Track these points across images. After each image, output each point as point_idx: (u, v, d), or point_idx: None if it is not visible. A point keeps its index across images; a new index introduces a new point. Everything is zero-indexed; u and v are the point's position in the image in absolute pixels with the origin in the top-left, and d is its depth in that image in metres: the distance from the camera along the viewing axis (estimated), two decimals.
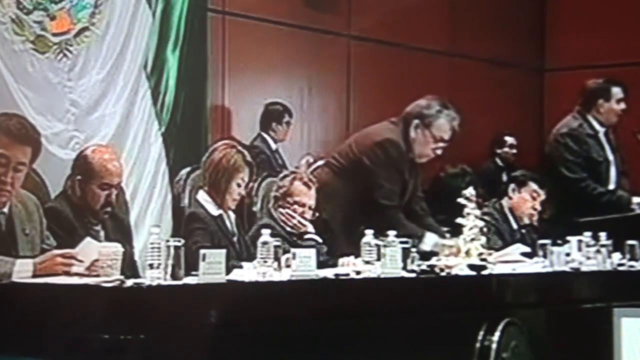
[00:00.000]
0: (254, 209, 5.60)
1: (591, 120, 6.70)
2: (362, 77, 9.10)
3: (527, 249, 5.37)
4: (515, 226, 6.52)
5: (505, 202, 6.59)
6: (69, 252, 3.88)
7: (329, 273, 4.20)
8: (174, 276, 3.54)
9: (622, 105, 6.70)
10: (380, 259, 4.23)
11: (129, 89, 7.15)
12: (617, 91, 6.71)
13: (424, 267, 4.49)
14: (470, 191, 4.64)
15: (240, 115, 8.19)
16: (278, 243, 3.98)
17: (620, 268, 5.24)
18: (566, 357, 4.80)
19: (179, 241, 3.59)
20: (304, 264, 3.88)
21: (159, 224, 5.14)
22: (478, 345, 4.43)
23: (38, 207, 4.21)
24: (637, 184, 6.97)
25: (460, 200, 4.63)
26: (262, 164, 7.14)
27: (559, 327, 4.84)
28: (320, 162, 7.52)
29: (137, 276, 4.09)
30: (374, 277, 4.20)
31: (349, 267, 4.52)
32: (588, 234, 5.16)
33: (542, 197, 6.57)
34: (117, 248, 3.83)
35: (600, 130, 6.71)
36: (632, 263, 5.29)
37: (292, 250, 3.97)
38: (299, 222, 5.18)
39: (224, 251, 3.67)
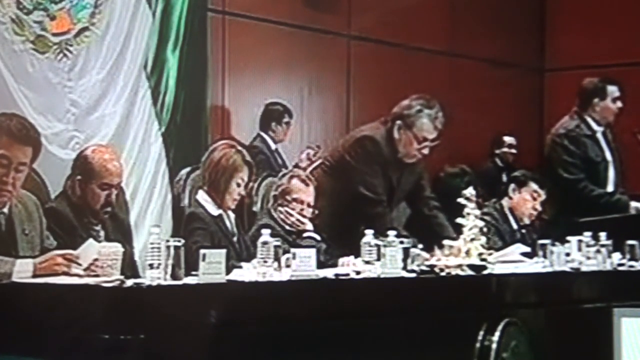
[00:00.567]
0: (254, 208, 5.60)
1: (588, 120, 6.70)
2: (362, 77, 9.10)
3: (527, 249, 5.37)
4: (515, 226, 6.52)
5: (505, 202, 6.59)
6: (69, 252, 3.88)
7: (329, 273, 4.20)
8: (174, 276, 3.54)
9: (619, 104, 6.70)
10: (380, 259, 4.23)
11: (129, 89, 7.15)
12: (612, 90, 6.70)
13: (424, 267, 4.49)
14: (470, 191, 4.64)
15: (240, 115, 8.19)
16: (278, 243, 3.98)
17: (620, 268, 5.24)
18: (566, 357, 4.80)
19: (179, 241, 3.59)
20: (304, 264, 3.89)
21: (159, 224, 5.13)
22: (478, 345, 4.43)
23: (38, 207, 4.21)
24: (637, 184, 6.97)
25: (460, 200, 4.63)
26: (261, 164, 7.14)
27: (559, 327, 4.84)
28: (319, 157, 7.58)
29: (137, 276, 4.10)
30: (374, 277, 4.21)
31: (349, 267, 4.53)
32: (588, 234, 5.16)
33: (543, 197, 6.57)
34: (117, 248, 3.83)
35: (598, 130, 6.70)
36: (632, 263, 5.30)
37: (292, 250, 3.98)
38: (298, 220, 5.19)
39: (224, 251, 3.67)
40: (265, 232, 3.91)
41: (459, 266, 4.51)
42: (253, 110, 8.05)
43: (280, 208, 5.21)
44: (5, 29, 6.41)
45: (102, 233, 4.64)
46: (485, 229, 4.69)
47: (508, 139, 9.84)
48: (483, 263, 4.56)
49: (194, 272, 3.63)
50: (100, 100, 6.95)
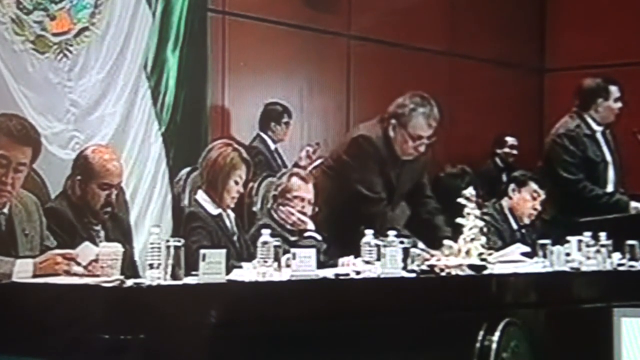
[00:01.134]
0: (254, 208, 5.60)
1: (588, 120, 6.69)
2: (362, 77, 9.10)
3: (527, 249, 5.36)
4: (515, 226, 6.52)
5: (505, 202, 6.58)
6: (69, 252, 3.88)
7: (329, 273, 4.20)
8: (174, 276, 3.54)
9: (620, 104, 6.70)
10: (380, 259, 4.23)
11: (129, 89, 7.15)
12: (614, 89, 6.70)
13: (424, 267, 4.49)
14: (470, 191, 4.64)
15: (240, 115, 8.19)
16: (278, 243, 3.98)
17: (620, 268, 5.24)
18: (566, 357, 4.79)
19: (179, 241, 3.59)
20: (304, 264, 3.89)
21: (159, 224, 5.14)
22: (478, 345, 4.43)
23: (38, 207, 4.21)
24: (637, 184, 6.97)
25: (460, 200, 4.63)
26: (260, 164, 7.15)
27: (559, 327, 4.84)
28: (319, 155, 7.59)
29: (137, 276, 4.09)
30: (374, 277, 4.21)
31: (349, 267, 4.52)
32: (588, 234, 5.16)
33: (542, 197, 6.57)
34: (117, 248, 3.83)
35: (598, 129, 6.70)
36: (632, 263, 5.30)
37: (292, 250, 3.98)
38: (299, 219, 5.19)
39: (224, 251, 3.67)
40: (265, 232, 3.91)
41: (459, 266, 4.51)
42: (253, 110, 8.05)
43: (281, 207, 5.21)
44: (5, 29, 6.41)
45: (102, 233, 4.64)
46: (485, 229, 4.69)
47: (510, 140, 9.83)
48: (483, 263, 4.56)
49: (194, 272, 3.63)
50: (100, 100, 6.95)
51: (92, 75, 6.90)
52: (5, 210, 4.00)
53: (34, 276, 3.76)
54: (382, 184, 5.49)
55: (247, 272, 3.95)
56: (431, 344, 4.19)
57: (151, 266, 3.50)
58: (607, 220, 6.03)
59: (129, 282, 3.54)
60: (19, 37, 6.48)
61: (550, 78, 10.78)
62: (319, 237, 5.19)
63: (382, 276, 4.20)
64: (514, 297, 4.79)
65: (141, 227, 6.72)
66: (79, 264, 3.83)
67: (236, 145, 5.09)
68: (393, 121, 5.52)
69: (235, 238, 4.96)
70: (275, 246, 3.91)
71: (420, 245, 4.94)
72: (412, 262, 4.44)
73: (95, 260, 3.81)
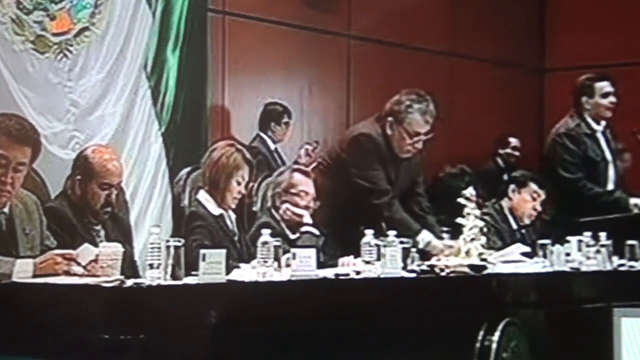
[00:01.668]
0: (254, 208, 5.60)
1: (587, 118, 6.69)
2: (362, 77, 9.10)
3: (527, 249, 5.36)
4: (515, 226, 6.52)
5: (505, 202, 6.58)
6: (69, 252, 3.88)
7: (329, 273, 4.20)
8: (174, 276, 3.54)
9: (611, 99, 6.66)
10: (380, 259, 4.23)
11: (129, 89, 7.15)
12: (602, 85, 6.67)
13: (424, 267, 4.49)
14: (470, 191, 4.64)
15: (240, 115, 8.19)
16: (278, 243, 3.98)
17: (621, 268, 5.24)
18: (566, 357, 4.80)
19: (179, 241, 3.60)
20: (304, 264, 3.89)
21: (159, 224, 5.14)
22: (478, 345, 4.43)
23: (38, 207, 4.21)
24: (637, 184, 6.97)
25: (460, 200, 4.63)
26: (260, 164, 7.14)
27: (559, 327, 4.84)
28: (318, 153, 7.58)
29: (137, 276, 4.10)
30: (374, 277, 4.21)
31: (349, 267, 4.52)
32: (588, 234, 5.16)
33: (542, 197, 6.56)
34: (117, 248, 3.83)
35: (598, 128, 6.69)
36: (632, 263, 5.30)
37: (292, 250, 3.98)
38: (301, 214, 5.19)
39: (224, 251, 3.67)
40: (265, 232, 3.92)
41: (459, 266, 4.51)
42: (253, 110, 8.05)
43: (283, 205, 5.21)
44: (5, 29, 6.41)
45: (102, 233, 4.64)
46: (485, 229, 4.70)
47: (513, 141, 9.80)
48: (483, 263, 4.56)
49: (194, 272, 3.63)
50: (100, 100, 6.95)
51: (92, 75, 6.89)
52: (6, 210, 4.00)
53: (34, 276, 3.76)
54: (385, 179, 5.50)
55: (247, 272, 3.95)
56: (431, 344, 4.19)
57: (151, 266, 3.50)
58: (607, 220, 6.03)
59: (129, 282, 3.54)
60: (19, 37, 6.48)
61: (550, 78, 10.78)
62: (317, 232, 5.19)
63: (382, 276, 4.20)
64: (514, 297, 4.79)
65: (141, 227, 6.72)
66: (79, 264, 3.83)
67: (239, 146, 5.10)
68: (390, 119, 5.52)
69: (236, 238, 4.96)
70: (275, 246, 3.91)
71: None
72: (412, 262, 4.45)
73: (95, 261, 3.81)
